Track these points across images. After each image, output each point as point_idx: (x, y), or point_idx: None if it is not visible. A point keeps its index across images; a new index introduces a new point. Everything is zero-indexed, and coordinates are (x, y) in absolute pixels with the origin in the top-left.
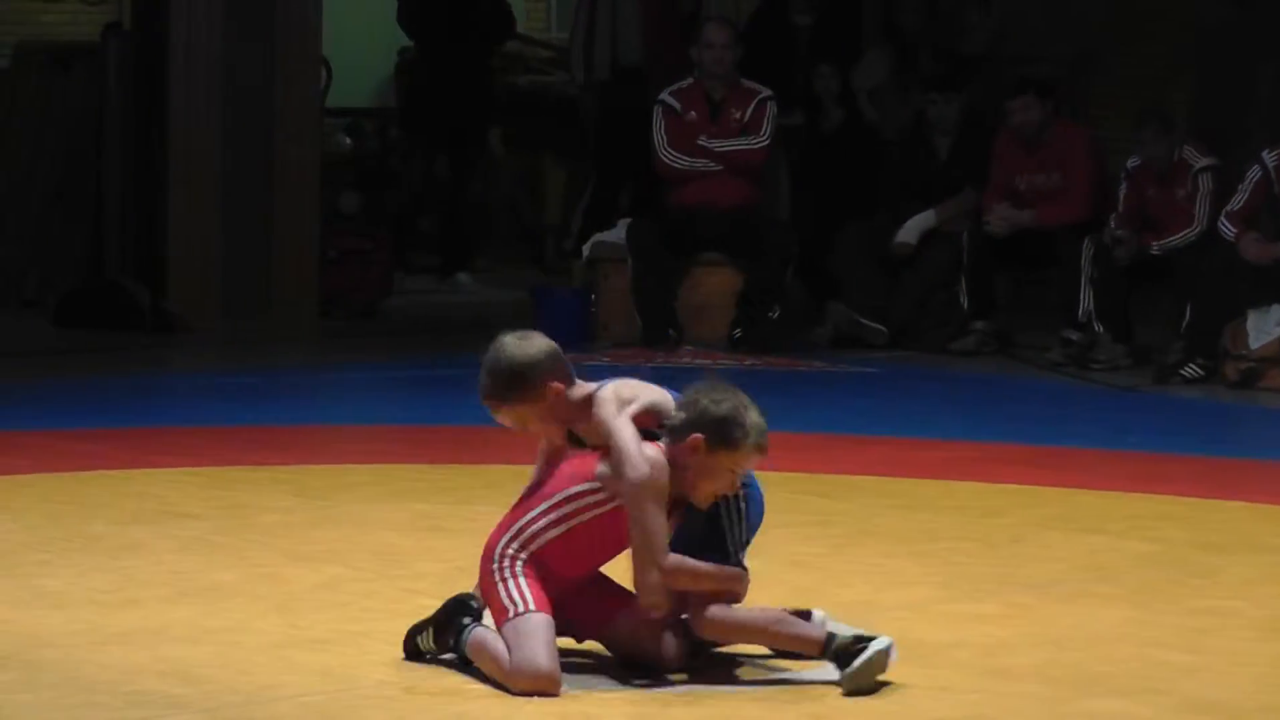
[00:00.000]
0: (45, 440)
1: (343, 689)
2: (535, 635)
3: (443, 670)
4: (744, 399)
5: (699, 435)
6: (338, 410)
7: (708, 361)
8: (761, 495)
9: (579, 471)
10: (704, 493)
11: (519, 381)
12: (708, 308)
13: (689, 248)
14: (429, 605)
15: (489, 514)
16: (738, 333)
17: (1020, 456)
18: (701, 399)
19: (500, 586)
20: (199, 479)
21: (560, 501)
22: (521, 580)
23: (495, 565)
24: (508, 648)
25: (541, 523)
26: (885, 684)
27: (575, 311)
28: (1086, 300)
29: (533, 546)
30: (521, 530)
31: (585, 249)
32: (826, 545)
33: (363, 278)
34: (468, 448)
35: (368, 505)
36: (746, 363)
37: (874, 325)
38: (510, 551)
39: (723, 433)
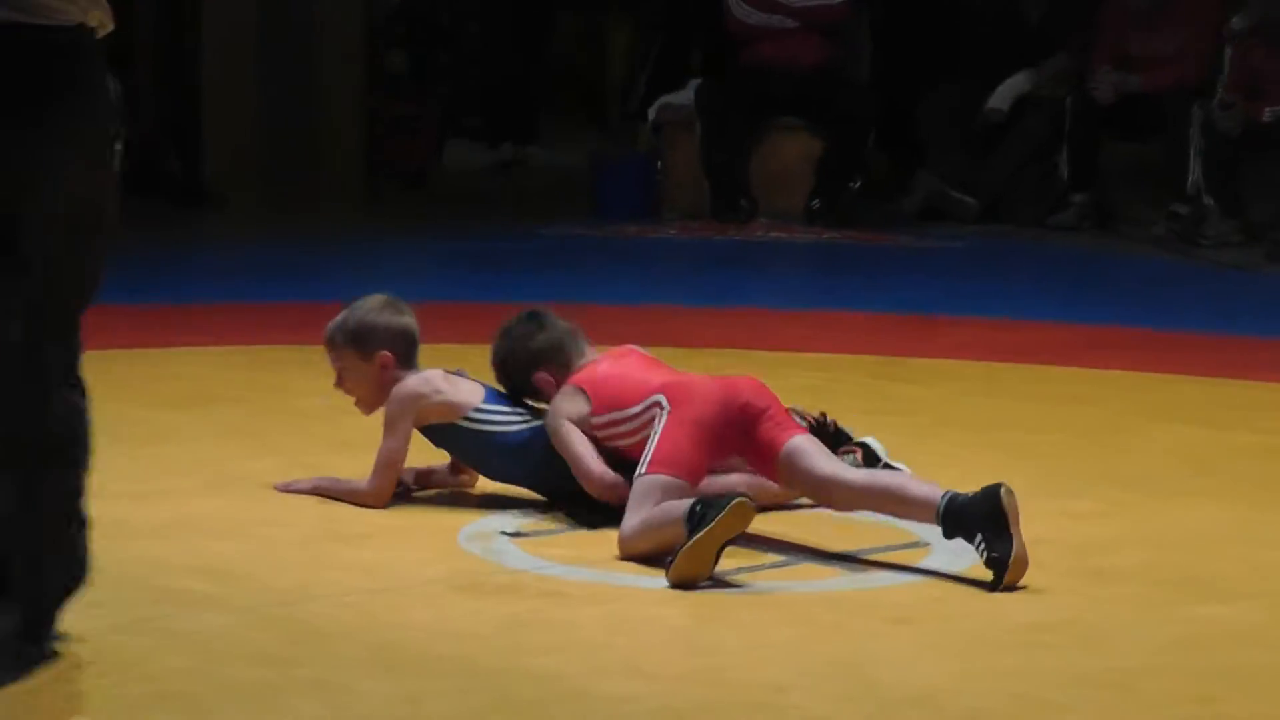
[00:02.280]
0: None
1: (385, 588)
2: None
3: (495, 566)
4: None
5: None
6: (386, 286)
7: (783, 235)
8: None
9: None
10: None
11: (360, 336)
12: (783, 176)
13: (763, 111)
14: (482, 497)
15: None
16: (815, 204)
17: (1120, 340)
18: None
19: None
20: (236, 360)
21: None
22: None
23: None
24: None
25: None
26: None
27: (639, 181)
28: (1194, 172)
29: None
30: None
31: (651, 112)
32: (907, 434)
33: (411, 144)
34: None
35: None
36: (824, 236)
37: (963, 197)
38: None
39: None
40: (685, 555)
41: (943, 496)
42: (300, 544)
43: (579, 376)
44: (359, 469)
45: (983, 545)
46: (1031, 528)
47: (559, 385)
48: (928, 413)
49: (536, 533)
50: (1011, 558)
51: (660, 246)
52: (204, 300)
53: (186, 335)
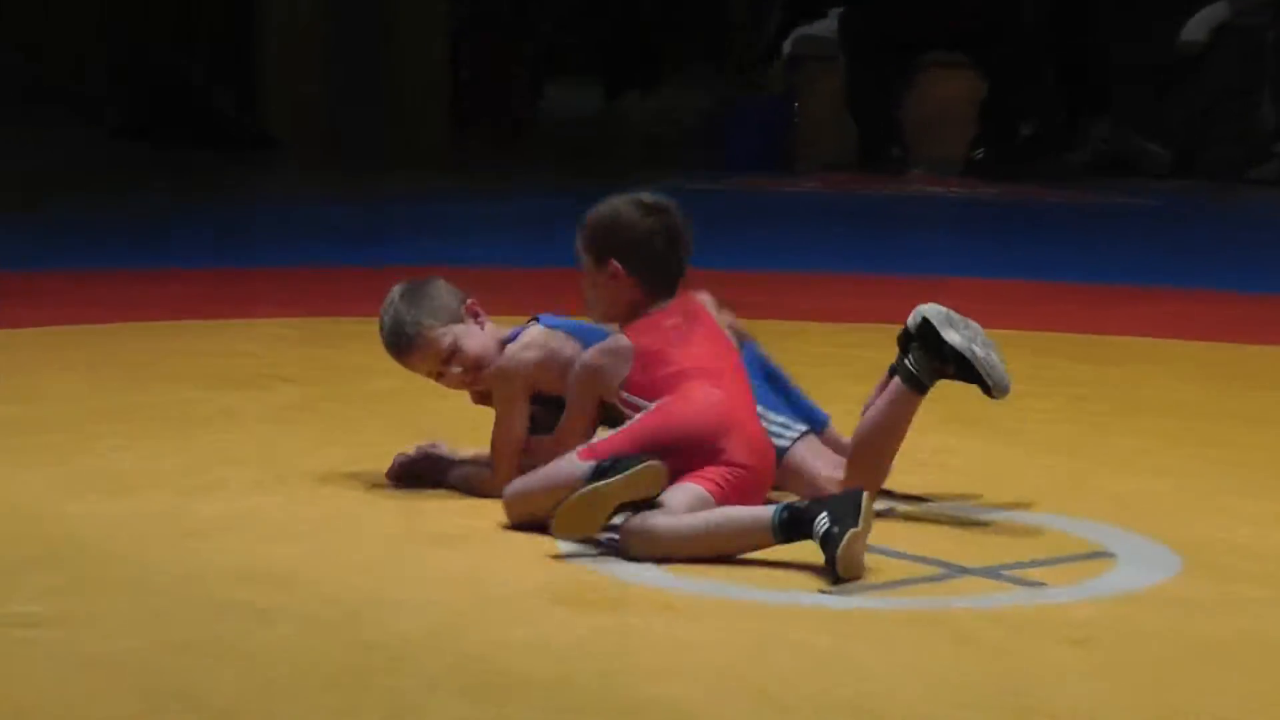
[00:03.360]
0: (114, 283)
1: (473, 599)
2: None
3: (600, 576)
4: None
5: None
6: (474, 250)
7: (939, 189)
8: None
9: None
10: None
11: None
12: (941, 121)
13: (918, 44)
14: None
15: None
16: (979, 153)
17: None
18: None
19: None
20: (301, 333)
21: None
22: None
23: None
24: None
25: None
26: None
27: (772, 126)
28: None
29: None
30: None
31: (785, 46)
32: (1086, 424)
33: (506, 88)
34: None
35: None
36: (988, 191)
37: (1151, 147)
38: None
39: None
40: (579, 500)
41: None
42: (379, 546)
43: (642, 335)
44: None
45: (825, 521)
46: (1234, 533)
47: (626, 307)
48: (1112, 398)
49: None
50: (845, 538)
51: (796, 202)
52: (262, 265)
53: (243, 305)
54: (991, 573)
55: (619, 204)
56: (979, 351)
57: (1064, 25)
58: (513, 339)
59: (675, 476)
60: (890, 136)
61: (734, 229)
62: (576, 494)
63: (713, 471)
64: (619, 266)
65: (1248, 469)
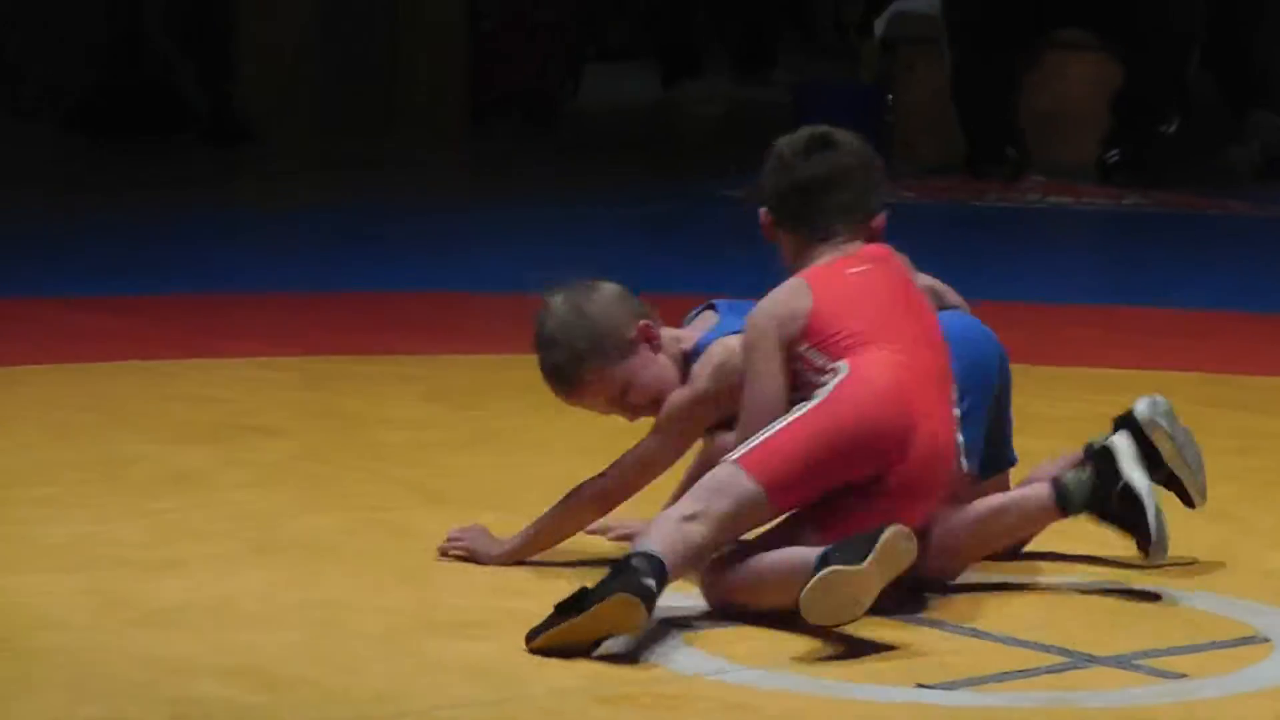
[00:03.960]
0: (56, 312)
1: (501, 698)
2: None
3: (654, 669)
4: None
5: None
6: (495, 269)
7: (1065, 198)
8: None
9: None
10: None
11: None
12: (1066, 116)
13: (1039, 23)
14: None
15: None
16: (1113, 155)
17: None
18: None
19: None
20: (284, 374)
21: None
22: None
23: None
24: None
25: None
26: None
27: (862, 121)
28: None
29: None
30: None
31: (879, 25)
32: (1248, 484)
33: (537, 67)
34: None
35: (536, 417)
36: (1125, 201)
37: None
38: None
39: None
40: (820, 586)
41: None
42: (382, 635)
43: (816, 281)
44: (452, 523)
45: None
46: None
47: (792, 259)
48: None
49: (715, 622)
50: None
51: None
52: (239, 289)
53: (215, 340)
54: (1124, 662)
55: (781, 142)
56: (1150, 505)
57: (1213, 7)
58: (696, 353)
59: (839, 489)
60: (1004, 134)
61: None
62: (828, 574)
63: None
64: (766, 215)
65: None
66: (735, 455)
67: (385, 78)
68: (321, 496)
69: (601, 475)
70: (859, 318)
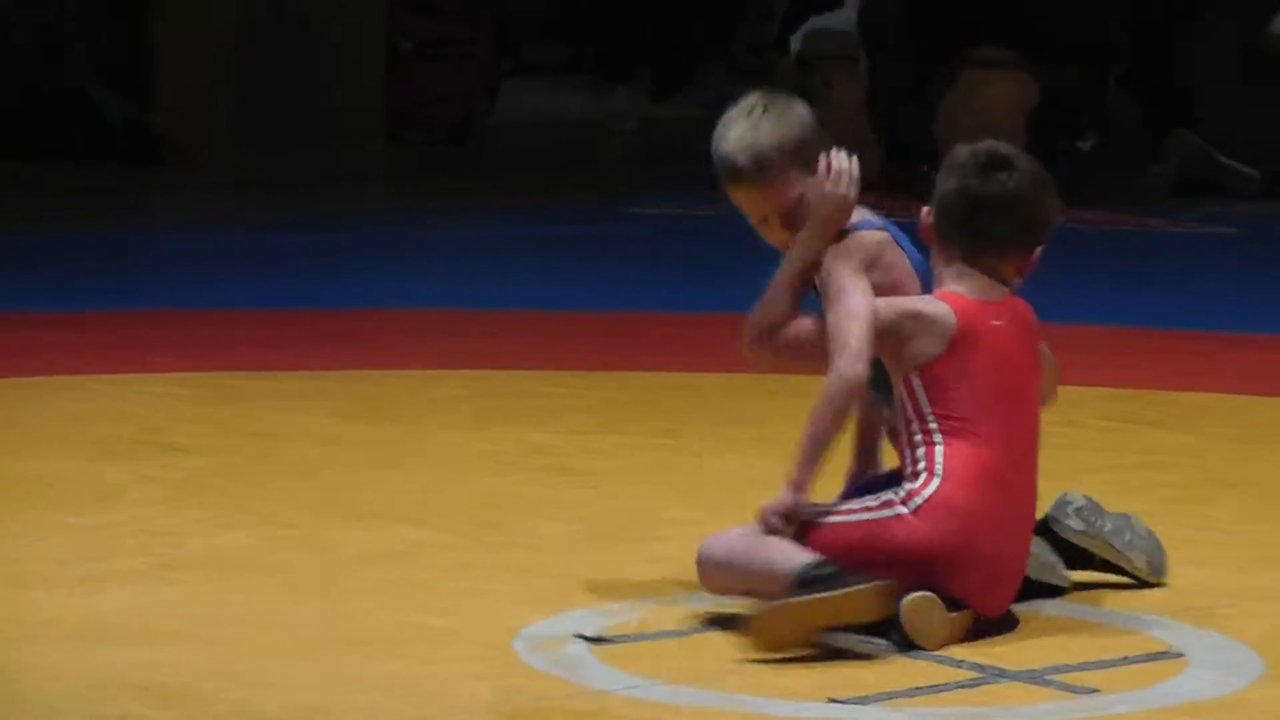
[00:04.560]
0: None
1: (416, 715)
2: None
3: (568, 684)
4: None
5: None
6: (410, 286)
7: None
8: None
9: None
10: None
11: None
12: (984, 133)
13: (957, 39)
14: (546, 586)
15: (637, 446)
16: None
17: None
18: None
19: None
20: (199, 390)
21: None
22: None
23: None
24: None
25: None
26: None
27: None
28: None
29: None
30: None
31: (794, 41)
32: (1158, 499)
33: (453, 82)
34: (608, 343)
35: (454, 433)
36: None
37: (1239, 166)
38: None
39: None
40: (778, 611)
41: None
42: (296, 651)
43: (967, 313)
44: (378, 545)
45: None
46: None
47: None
48: (1189, 469)
49: (628, 637)
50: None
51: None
52: (152, 306)
53: (126, 357)
54: (1036, 677)
55: (963, 150)
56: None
57: (1136, 20)
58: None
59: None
60: (920, 153)
61: (726, 263)
62: (778, 604)
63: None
64: (928, 216)
65: None
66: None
67: (301, 95)
68: (236, 513)
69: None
70: (978, 392)
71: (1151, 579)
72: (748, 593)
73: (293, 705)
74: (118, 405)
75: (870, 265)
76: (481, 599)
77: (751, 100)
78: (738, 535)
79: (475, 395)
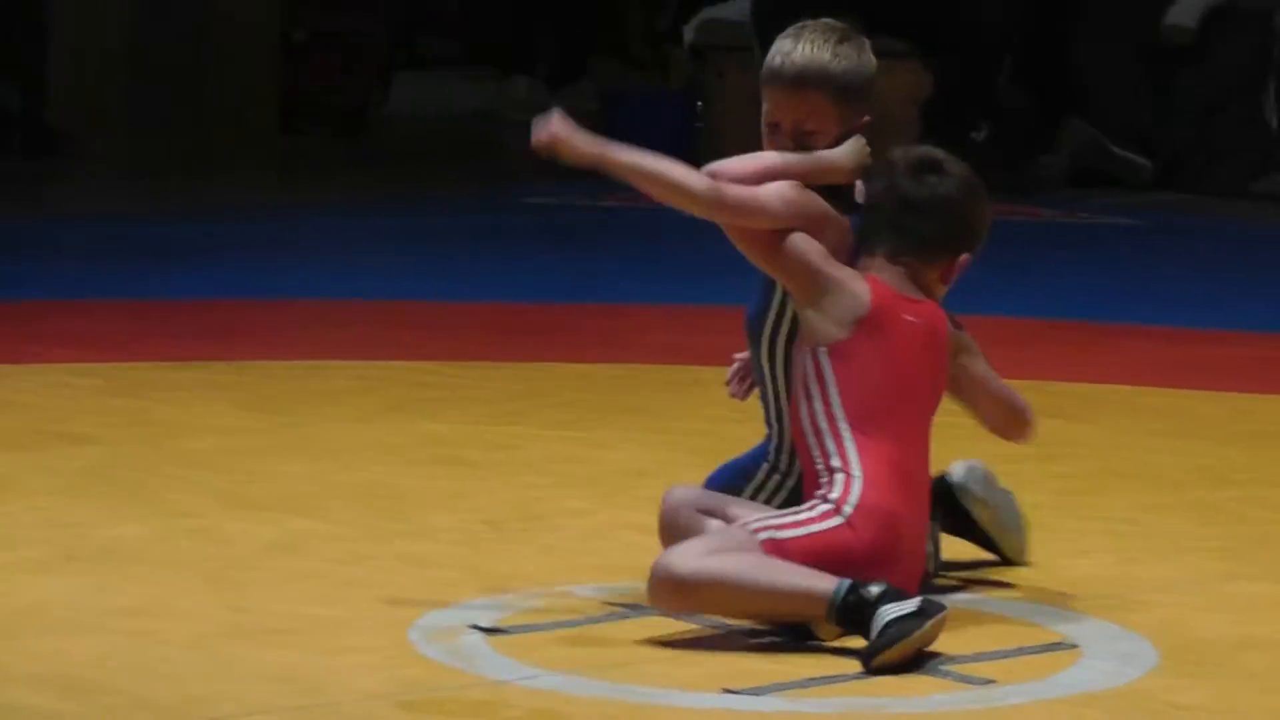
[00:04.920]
0: None
1: (308, 704)
2: None
3: (463, 675)
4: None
5: None
6: (304, 277)
7: None
8: None
9: None
10: None
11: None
12: (878, 124)
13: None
14: (441, 577)
15: (533, 436)
16: None
17: None
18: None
19: None
20: (94, 380)
21: None
22: None
23: None
24: None
25: None
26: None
27: (673, 127)
28: None
29: None
30: None
31: (688, 32)
32: (1055, 490)
33: (347, 73)
34: (500, 335)
35: (348, 424)
36: None
37: (1133, 156)
38: None
39: None
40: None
41: None
42: (191, 642)
43: (881, 295)
44: (273, 536)
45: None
46: (1224, 624)
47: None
48: (1086, 459)
49: (523, 627)
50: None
51: (697, 221)
52: (48, 296)
53: (22, 345)
54: (931, 668)
55: (898, 151)
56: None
57: (1028, 10)
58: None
59: None
60: None
61: (618, 254)
62: (902, 643)
63: None
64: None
65: (1243, 544)
66: (753, 524)
67: (196, 85)
68: (131, 503)
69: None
70: (885, 384)
71: (1018, 561)
72: (736, 613)
73: (188, 696)
74: (15, 396)
75: (811, 229)
76: (376, 590)
77: (834, 24)
78: (721, 550)
79: (370, 386)
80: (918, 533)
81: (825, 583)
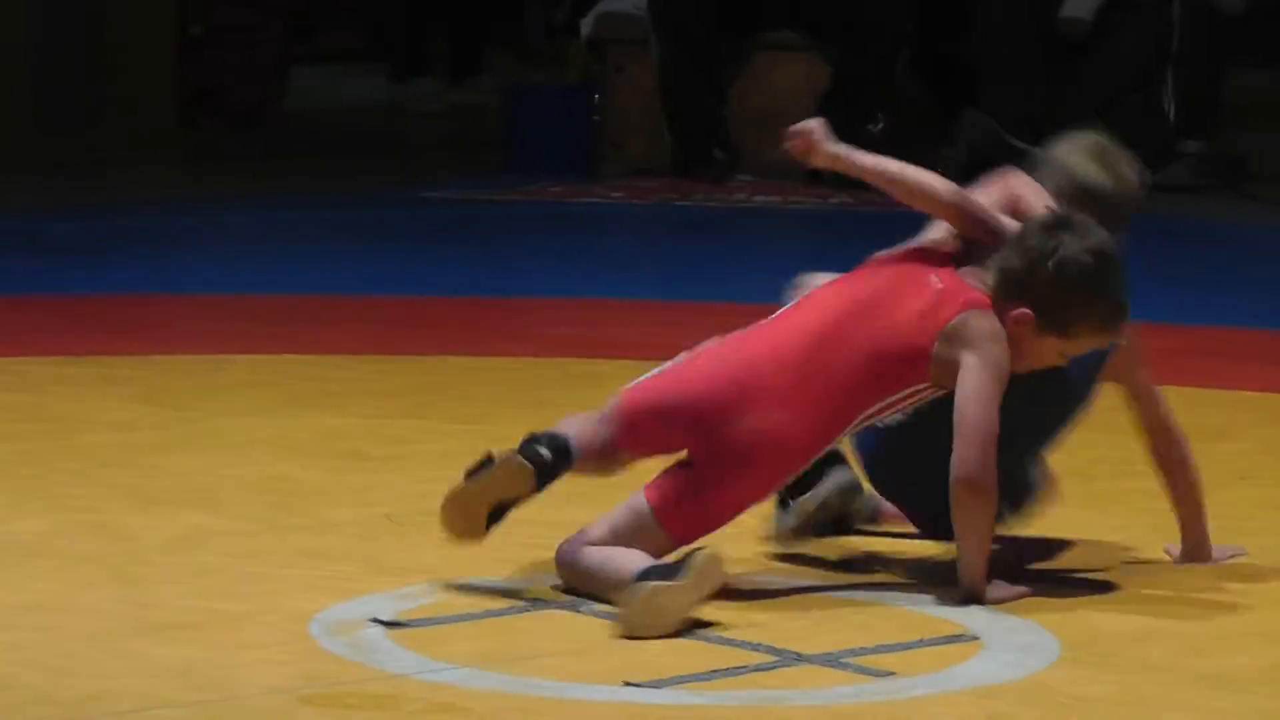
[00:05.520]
0: None
1: (208, 699)
2: None
3: (364, 669)
4: (1105, 245)
5: (1027, 311)
6: (203, 271)
7: (773, 198)
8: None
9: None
10: (1021, 365)
11: None
12: (774, 116)
13: (747, 23)
14: (341, 571)
15: (434, 431)
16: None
17: (1257, 349)
18: (1043, 241)
19: None
20: None
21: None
22: None
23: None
24: None
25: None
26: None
27: (570, 121)
28: None
29: None
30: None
31: (584, 26)
32: None
33: (245, 68)
34: (401, 329)
35: (247, 418)
36: (832, 200)
37: (1030, 148)
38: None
39: (1058, 315)
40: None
41: None
42: (92, 637)
43: None
44: (172, 531)
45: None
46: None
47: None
48: None
49: (424, 621)
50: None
51: (598, 215)
52: None
53: None
54: (832, 660)
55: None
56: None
57: (921, 4)
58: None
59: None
60: (712, 135)
61: (521, 248)
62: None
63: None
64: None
65: (1144, 536)
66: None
67: (92, 81)
68: (30, 499)
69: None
70: None
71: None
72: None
73: (89, 691)
74: None
75: None
76: (276, 584)
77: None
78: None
79: (269, 380)
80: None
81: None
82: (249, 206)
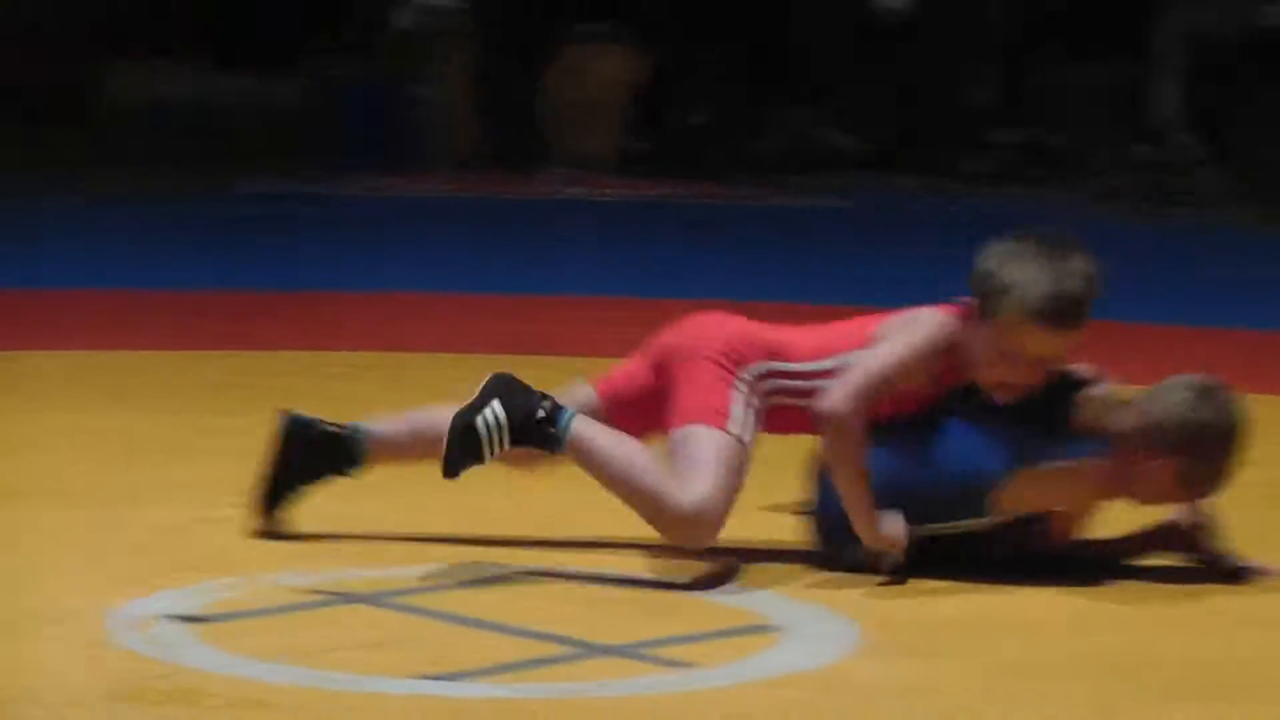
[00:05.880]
0: None
1: (8, 698)
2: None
3: (162, 665)
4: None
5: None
6: (17, 268)
7: (588, 190)
8: None
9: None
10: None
11: None
12: (588, 108)
13: (561, 13)
14: (142, 566)
15: (238, 427)
16: (634, 146)
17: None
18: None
19: (733, 392)
20: None
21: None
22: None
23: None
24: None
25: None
26: None
27: (383, 116)
28: (1166, 98)
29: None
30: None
31: (400, 18)
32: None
33: (61, 62)
34: (222, 324)
35: (54, 414)
36: (648, 192)
37: (845, 137)
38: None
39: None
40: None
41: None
42: None
43: None
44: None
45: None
46: (933, 599)
47: None
48: (784, 442)
49: (224, 615)
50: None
51: (410, 208)
52: None
53: None
54: (632, 652)
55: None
56: None
57: None
58: None
59: None
60: (526, 128)
61: (332, 242)
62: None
63: None
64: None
65: None
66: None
67: None
68: None
69: None
70: None
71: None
72: None
73: None
74: None
75: None
76: (76, 579)
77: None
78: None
79: (83, 375)
80: None
81: None
82: (60, 201)
